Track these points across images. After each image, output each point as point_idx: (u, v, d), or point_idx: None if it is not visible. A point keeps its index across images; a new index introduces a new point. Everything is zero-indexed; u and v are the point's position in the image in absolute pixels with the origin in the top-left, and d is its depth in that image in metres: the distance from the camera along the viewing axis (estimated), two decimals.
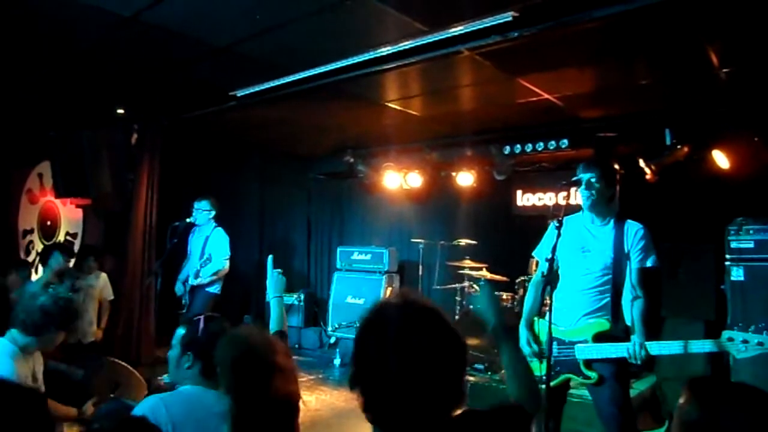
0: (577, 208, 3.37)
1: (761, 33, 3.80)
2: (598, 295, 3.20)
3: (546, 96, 5.29)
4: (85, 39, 4.32)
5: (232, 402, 1.90)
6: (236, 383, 1.92)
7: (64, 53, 4.65)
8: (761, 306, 4.63)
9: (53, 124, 6.65)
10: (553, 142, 6.23)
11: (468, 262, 6.78)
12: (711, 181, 5.58)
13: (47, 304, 2.75)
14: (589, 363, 3.14)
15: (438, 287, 7.31)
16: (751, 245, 4.80)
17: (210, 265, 5.79)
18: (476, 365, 5.91)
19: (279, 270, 2.97)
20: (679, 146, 5.59)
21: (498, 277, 6.72)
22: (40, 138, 7.06)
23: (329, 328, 8.06)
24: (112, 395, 3.25)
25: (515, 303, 6.34)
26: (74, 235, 7.34)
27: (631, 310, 3.12)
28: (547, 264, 2.99)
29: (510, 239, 7.40)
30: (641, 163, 5.74)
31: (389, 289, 7.87)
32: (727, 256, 4.88)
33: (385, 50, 4.29)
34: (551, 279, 3.03)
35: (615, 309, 3.18)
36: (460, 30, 3.87)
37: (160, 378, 5.38)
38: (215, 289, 5.92)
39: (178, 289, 5.96)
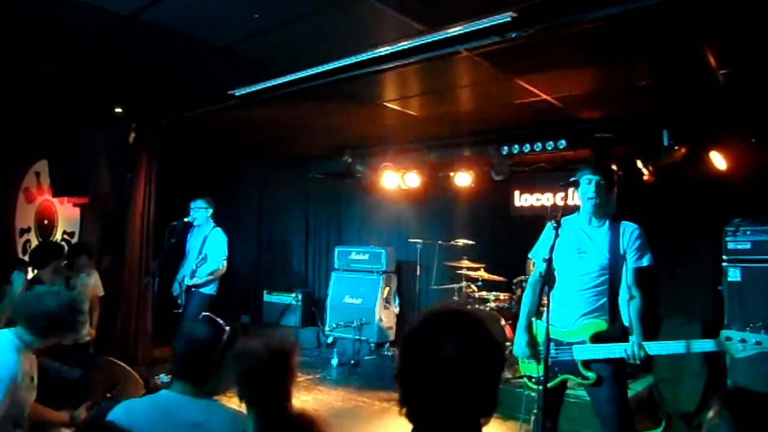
0: (574, 209, 3.38)
1: (759, 34, 3.81)
2: (595, 295, 3.21)
3: (544, 96, 5.30)
4: (84, 38, 4.31)
5: (254, 415, 1.90)
6: (255, 396, 1.92)
7: (62, 52, 4.64)
8: (758, 306, 4.64)
9: (51, 122, 6.63)
10: (551, 143, 6.24)
11: (466, 262, 6.78)
12: (708, 182, 5.59)
13: (54, 308, 2.77)
14: (587, 363, 3.15)
15: (435, 287, 7.32)
16: (748, 246, 4.82)
17: (206, 264, 5.78)
18: None
19: None
20: (676, 147, 5.60)
21: (496, 277, 6.73)
22: (37, 136, 7.04)
23: (327, 328, 8.06)
24: (109, 395, 3.24)
25: (513, 303, 6.35)
26: (71, 234, 7.32)
27: (628, 310, 3.14)
28: (544, 264, 3.00)
29: (508, 239, 7.42)
30: (639, 163, 5.75)
31: (387, 289, 7.88)
32: (724, 257, 4.90)
33: (383, 50, 4.29)
34: (548, 279, 3.04)
35: (612, 309, 3.20)
36: (459, 30, 3.87)
37: (157, 377, 5.39)
38: (211, 290, 5.91)
39: (175, 289, 5.96)
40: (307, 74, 4.86)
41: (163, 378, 5.43)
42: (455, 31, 3.88)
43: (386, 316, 7.82)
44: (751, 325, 2.88)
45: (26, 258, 7.49)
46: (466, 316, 1.37)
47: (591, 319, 3.19)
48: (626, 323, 3.15)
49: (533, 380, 3.40)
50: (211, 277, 5.84)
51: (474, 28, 3.81)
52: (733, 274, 4.86)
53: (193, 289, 5.84)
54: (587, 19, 3.57)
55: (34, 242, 7.70)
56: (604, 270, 3.19)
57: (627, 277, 3.16)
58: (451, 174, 7.46)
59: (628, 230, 3.20)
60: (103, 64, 4.90)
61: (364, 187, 8.48)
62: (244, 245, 8.35)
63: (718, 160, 5.47)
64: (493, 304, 6.42)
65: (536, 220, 6.02)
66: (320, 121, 6.71)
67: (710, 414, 1.38)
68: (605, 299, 3.20)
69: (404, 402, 1.35)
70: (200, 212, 5.91)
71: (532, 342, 3.34)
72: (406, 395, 1.35)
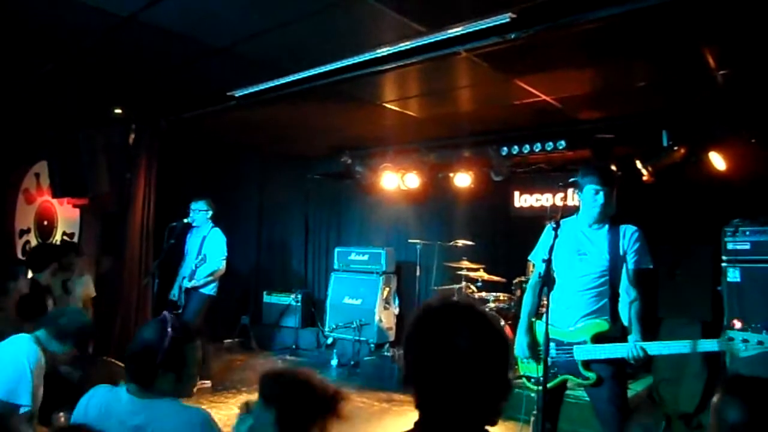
0: (574, 210, 3.39)
1: (758, 35, 3.82)
2: (596, 296, 3.22)
3: (543, 97, 5.30)
4: (83, 39, 4.31)
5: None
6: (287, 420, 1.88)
7: (61, 53, 4.64)
8: (758, 307, 4.65)
9: (51, 123, 6.63)
10: (550, 144, 6.24)
11: (466, 263, 6.78)
12: (708, 182, 5.60)
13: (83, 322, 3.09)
14: (588, 364, 3.16)
15: (435, 288, 7.32)
16: (748, 246, 4.82)
17: (205, 265, 5.78)
18: None
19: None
20: (676, 148, 5.60)
21: (495, 278, 6.73)
22: (37, 138, 7.04)
23: (326, 329, 8.06)
24: None
25: (512, 304, 6.35)
26: (71, 235, 7.32)
27: (628, 311, 3.15)
28: (544, 265, 3.01)
29: (507, 240, 7.42)
30: (638, 164, 5.75)
31: (386, 289, 7.88)
32: (724, 258, 4.90)
33: (383, 51, 4.29)
34: (548, 280, 3.05)
35: (613, 310, 3.21)
36: (458, 31, 3.87)
37: None
38: (211, 290, 5.91)
39: (173, 294, 5.94)
40: (307, 75, 4.86)
41: None
42: (455, 32, 3.88)
43: (386, 317, 7.81)
44: (752, 325, 2.89)
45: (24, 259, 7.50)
46: (474, 308, 1.39)
47: (592, 320, 3.20)
48: (626, 324, 3.17)
49: (532, 380, 3.41)
50: (210, 278, 5.84)
51: (473, 29, 3.82)
52: (733, 275, 4.87)
53: (192, 290, 5.85)
54: (586, 19, 3.57)
55: (34, 243, 7.70)
56: (604, 272, 3.20)
57: (627, 279, 3.18)
58: (451, 175, 7.46)
59: (628, 232, 3.22)
60: (102, 65, 4.90)
61: (364, 187, 8.48)
62: (243, 246, 8.35)
63: (718, 161, 5.48)
64: (492, 305, 6.41)
65: (536, 220, 6.01)
66: (320, 122, 6.71)
67: (715, 399, 1.39)
68: (606, 300, 3.21)
69: (416, 394, 1.35)
70: (200, 214, 5.91)
71: (533, 342, 3.35)
72: (418, 387, 1.35)
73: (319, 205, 9.45)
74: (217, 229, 6.00)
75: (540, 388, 3.07)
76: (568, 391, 3.49)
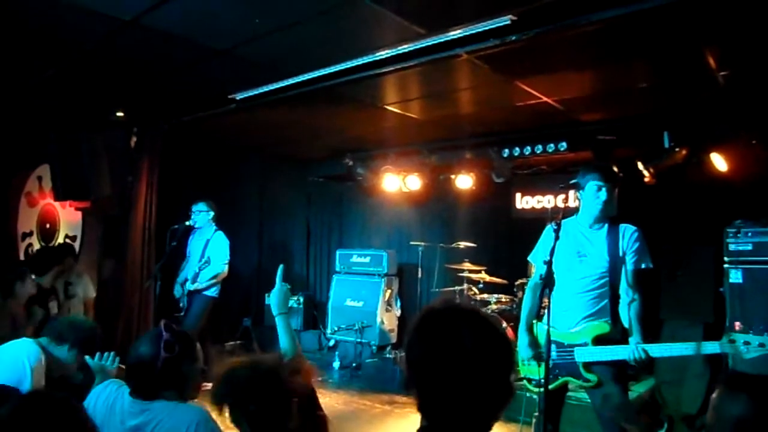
0: (575, 211, 3.39)
1: (759, 36, 3.82)
2: (596, 298, 3.22)
3: (545, 99, 5.30)
4: (85, 42, 4.32)
5: None
6: (254, 419, 1.83)
7: (63, 57, 4.65)
8: (760, 308, 4.64)
9: (53, 127, 6.65)
10: (551, 145, 6.24)
11: (467, 265, 6.78)
12: (709, 183, 5.59)
13: (88, 327, 3.10)
14: (589, 366, 3.15)
15: (437, 290, 7.32)
16: (750, 247, 4.82)
17: (208, 268, 5.79)
18: None
19: (287, 284, 2.62)
20: (677, 149, 5.60)
21: (497, 280, 6.73)
22: (39, 141, 7.05)
23: (328, 331, 8.06)
24: None
25: (514, 306, 6.35)
26: (73, 238, 7.33)
27: (629, 312, 3.14)
28: (545, 266, 3.00)
29: (509, 242, 7.42)
30: (640, 165, 5.75)
31: (388, 291, 7.88)
32: (726, 259, 4.90)
33: (383, 53, 4.30)
34: (549, 282, 3.05)
35: (613, 312, 3.21)
36: (459, 33, 3.88)
37: None
38: (213, 293, 5.92)
39: (177, 291, 5.96)
40: (308, 77, 4.86)
41: None
42: (455, 34, 3.89)
43: (388, 319, 7.81)
44: (754, 327, 2.89)
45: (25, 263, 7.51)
46: (477, 312, 1.40)
47: (593, 322, 3.20)
48: (626, 325, 3.16)
49: (533, 383, 3.41)
50: (213, 281, 5.85)
51: (474, 32, 3.82)
52: (735, 276, 4.86)
53: (195, 293, 5.86)
54: (587, 21, 3.57)
55: (36, 246, 7.72)
56: (604, 273, 3.19)
57: (626, 279, 3.17)
58: (452, 176, 7.46)
59: (628, 233, 3.21)
60: (104, 68, 4.92)
61: (365, 189, 8.48)
62: (245, 248, 8.35)
63: (719, 162, 5.47)
64: (494, 307, 6.41)
65: (537, 222, 6.01)
66: (321, 124, 6.72)
67: (714, 395, 1.39)
68: (606, 301, 3.20)
69: (419, 398, 1.34)
70: (201, 215, 5.92)
71: (534, 342, 3.34)
72: (420, 390, 1.34)
73: (321, 207, 9.46)
74: (220, 232, 6.01)
75: (541, 390, 3.07)
76: (569, 393, 3.49)
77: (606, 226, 3.27)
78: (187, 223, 5.83)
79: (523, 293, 3.71)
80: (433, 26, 3.84)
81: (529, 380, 3.45)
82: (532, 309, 3.40)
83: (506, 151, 6.62)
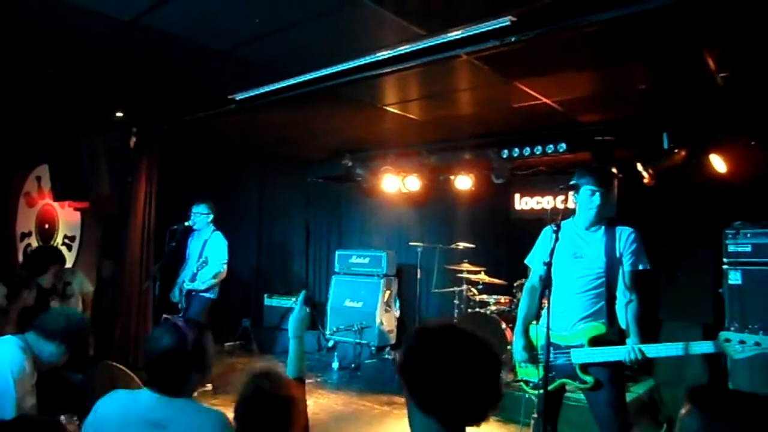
0: (574, 212, 3.39)
1: (758, 37, 3.82)
2: (592, 299, 3.21)
3: (544, 100, 5.30)
4: (84, 43, 4.32)
5: None
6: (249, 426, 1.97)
7: (63, 57, 4.65)
8: (759, 309, 4.64)
9: (52, 127, 6.65)
10: (551, 146, 6.24)
11: (466, 266, 6.78)
12: (708, 184, 5.60)
13: (66, 320, 2.92)
14: (585, 367, 3.15)
15: (436, 290, 7.32)
16: (749, 249, 4.82)
17: (207, 268, 5.78)
18: None
19: (307, 308, 2.70)
20: (676, 150, 5.61)
21: (496, 281, 6.73)
22: (38, 141, 7.05)
23: (327, 332, 8.05)
24: None
25: (513, 306, 6.35)
26: (72, 238, 7.33)
27: (626, 313, 3.14)
28: (543, 268, 3.00)
29: (508, 243, 7.42)
30: (639, 166, 5.75)
31: (387, 292, 7.88)
32: (725, 260, 4.90)
33: (383, 54, 4.30)
34: (549, 283, 3.04)
35: (610, 313, 3.20)
36: (458, 34, 3.88)
37: None
38: (212, 294, 5.91)
39: (174, 295, 5.95)
40: (308, 78, 4.87)
41: None
42: (455, 35, 3.89)
43: (387, 320, 7.81)
44: (749, 326, 2.89)
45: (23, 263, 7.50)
46: (469, 334, 1.58)
47: (589, 323, 3.20)
48: (623, 326, 3.16)
49: (530, 385, 3.40)
50: (213, 281, 5.84)
51: (474, 32, 3.82)
52: (734, 277, 4.87)
53: (193, 293, 5.85)
54: (587, 22, 3.57)
55: (35, 247, 7.71)
56: (601, 274, 3.19)
57: (623, 281, 3.17)
58: (452, 177, 7.47)
59: (624, 234, 3.21)
60: (103, 68, 4.91)
61: (365, 190, 8.49)
62: (244, 249, 8.35)
63: (718, 163, 5.48)
64: (493, 308, 6.42)
65: (537, 223, 5.98)
66: (320, 125, 6.72)
67: (682, 412, 1.40)
68: (603, 303, 3.20)
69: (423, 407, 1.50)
70: (201, 217, 5.92)
71: (529, 345, 3.34)
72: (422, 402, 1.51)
73: (320, 207, 9.46)
74: (218, 233, 6.01)
75: (539, 392, 3.06)
76: (567, 394, 3.48)
77: (603, 227, 3.27)
78: (186, 224, 5.82)
79: (521, 296, 3.70)
80: (433, 27, 3.84)
81: (527, 383, 3.45)
82: (529, 312, 3.39)
83: (505, 151, 6.62)
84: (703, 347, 3.01)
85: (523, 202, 7.51)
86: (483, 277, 6.75)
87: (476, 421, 1.49)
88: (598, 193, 3.18)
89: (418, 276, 7.41)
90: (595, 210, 3.21)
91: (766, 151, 5.20)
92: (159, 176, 6.70)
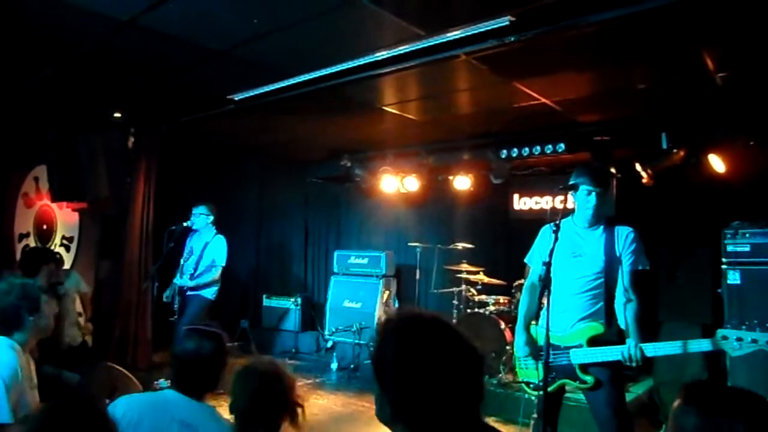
0: (573, 212, 3.38)
1: (757, 37, 3.82)
2: (591, 299, 3.21)
3: (543, 100, 5.30)
4: (83, 43, 4.31)
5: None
6: (251, 414, 2.05)
7: (61, 57, 4.64)
8: (758, 309, 4.64)
9: (50, 127, 6.64)
10: (550, 146, 6.24)
11: (465, 266, 6.78)
12: (707, 184, 5.60)
13: (7, 298, 2.78)
14: (585, 367, 3.15)
15: (435, 291, 7.31)
16: (748, 249, 4.82)
17: (210, 272, 5.78)
18: None
19: None
20: (675, 150, 5.61)
21: (495, 281, 6.72)
22: (36, 142, 7.05)
23: (326, 332, 8.04)
24: (108, 400, 3.23)
25: (512, 307, 6.34)
26: (70, 239, 7.32)
27: (625, 313, 3.14)
28: (542, 268, 3.00)
29: (507, 243, 7.42)
30: (638, 166, 5.75)
31: (386, 293, 7.87)
32: (724, 260, 4.90)
33: (382, 54, 4.29)
34: (548, 283, 3.04)
35: (608, 313, 3.20)
36: (458, 34, 3.88)
37: (156, 382, 5.37)
38: (211, 294, 5.90)
39: (167, 297, 5.92)
40: (306, 78, 4.86)
41: (162, 383, 5.42)
42: (454, 35, 3.89)
43: None
44: (746, 323, 2.89)
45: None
46: (420, 317, 1.38)
47: (588, 323, 3.19)
48: (623, 326, 3.15)
49: (531, 386, 3.40)
50: (208, 283, 5.84)
51: (473, 32, 3.82)
52: (733, 277, 4.86)
53: (191, 293, 5.84)
54: (586, 22, 3.58)
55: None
56: (599, 274, 3.19)
57: (623, 281, 3.16)
58: (450, 177, 7.47)
59: (623, 233, 3.21)
60: (101, 69, 4.91)
61: (364, 191, 8.48)
62: (243, 249, 8.34)
63: (717, 163, 5.48)
64: (492, 308, 6.41)
65: (535, 223, 5.98)
66: (319, 125, 6.71)
67: (675, 405, 1.39)
68: (602, 303, 3.20)
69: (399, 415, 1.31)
70: (201, 218, 5.91)
71: (531, 341, 3.34)
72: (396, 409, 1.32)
73: (319, 208, 9.45)
74: (221, 236, 6.00)
75: (540, 393, 3.06)
76: (567, 394, 3.48)
77: (602, 226, 3.27)
78: (185, 224, 5.81)
79: (521, 294, 3.70)
80: (432, 27, 3.84)
81: (527, 384, 3.44)
82: (530, 310, 3.39)
83: (504, 152, 6.62)
84: (701, 345, 3.01)
85: (521, 203, 7.51)
86: (482, 277, 6.74)
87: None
88: (594, 194, 3.18)
89: (417, 276, 7.41)
90: (592, 210, 3.21)
91: (764, 151, 5.21)
92: (157, 177, 6.70)
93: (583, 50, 4.13)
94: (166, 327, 6.02)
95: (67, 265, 6.43)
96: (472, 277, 6.77)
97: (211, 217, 5.98)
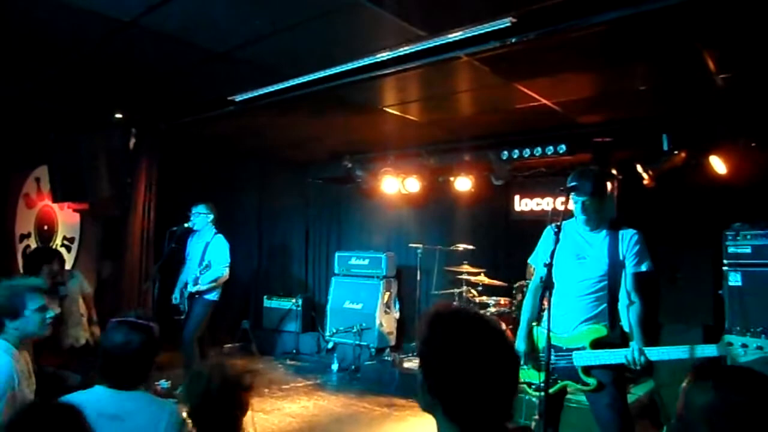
0: (573, 214, 3.38)
1: (758, 39, 3.82)
2: (595, 301, 3.21)
3: (544, 101, 5.30)
4: (84, 44, 4.31)
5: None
6: (202, 420, 2.03)
7: (63, 58, 4.65)
8: (759, 311, 4.64)
9: (51, 128, 6.64)
10: (551, 148, 6.24)
11: (466, 267, 6.78)
12: (708, 186, 5.59)
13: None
14: (588, 369, 3.14)
15: (436, 292, 7.31)
16: (749, 250, 4.82)
17: (209, 272, 5.77)
18: None
19: None
20: (676, 152, 5.60)
21: (496, 282, 6.72)
22: (38, 142, 7.05)
23: (327, 333, 8.04)
24: None
25: (513, 308, 6.34)
26: (71, 240, 7.32)
27: (628, 315, 3.13)
28: (545, 269, 3.00)
29: (508, 244, 7.41)
30: (639, 168, 5.75)
31: (387, 294, 7.86)
32: (725, 262, 4.90)
33: (383, 55, 4.29)
34: (549, 284, 3.04)
35: (612, 315, 3.20)
36: (459, 35, 3.88)
37: (157, 383, 5.38)
38: (214, 296, 5.90)
39: (175, 297, 5.93)
40: (307, 80, 4.86)
41: (163, 384, 5.43)
42: (455, 36, 3.89)
43: (387, 322, 7.80)
44: (752, 329, 2.89)
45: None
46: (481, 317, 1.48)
47: (591, 325, 3.19)
48: (626, 329, 3.15)
49: (533, 387, 3.40)
50: (213, 284, 5.83)
51: (474, 34, 3.82)
52: (734, 279, 4.86)
53: (196, 296, 5.84)
54: (586, 24, 3.58)
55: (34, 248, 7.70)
56: (603, 276, 3.19)
57: (626, 283, 3.16)
58: (451, 179, 7.46)
59: (627, 236, 3.20)
60: (103, 69, 4.91)
61: (364, 192, 8.48)
62: (244, 250, 8.34)
63: (718, 165, 5.48)
64: (493, 309, 6.41)
65: (536, 224, 5.98)
66: (320, 126, 6.71)
67: (684, 384, 1.41)
68: (605, 305, 3.20)
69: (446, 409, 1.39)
70: (200, 218, 5.91)
71: (532, 349, 3.34)
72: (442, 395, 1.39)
73: (320, 209, 9.45)
74: (220, 235, 5.99)
75: (541, 394, 3.06)
76: (569, 396, 3.47)
77: (605, 229, 3.26)
78: (186, 225, 5.81)
79: (522, 295, 3.71)
80: (434, 28, 3.84)
81: (529, 384, 3.44)
82: (532, 312, 3.39)
83: (505, 153, 6.62)
84: (706, 350, 3.01)
85: (523, 204, 7.50)
86: (483, 278, 6.74)
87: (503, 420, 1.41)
88: (581, 203, 3.19)
89: (418, 277, 7.41)
90: (584, 217, 3.22)
91: (765, 153, 5.20)
92: (158, 177, 6.70)
93: (584, 51, 4.13)
94: (168, 328, 6.02)
95: (68, 266, 6.42)
96: (472, 279, 6.77)
97: (211, 216, 5.97)
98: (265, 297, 8.74)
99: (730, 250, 4.89)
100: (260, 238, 9.17)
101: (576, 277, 3.25)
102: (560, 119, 5.87)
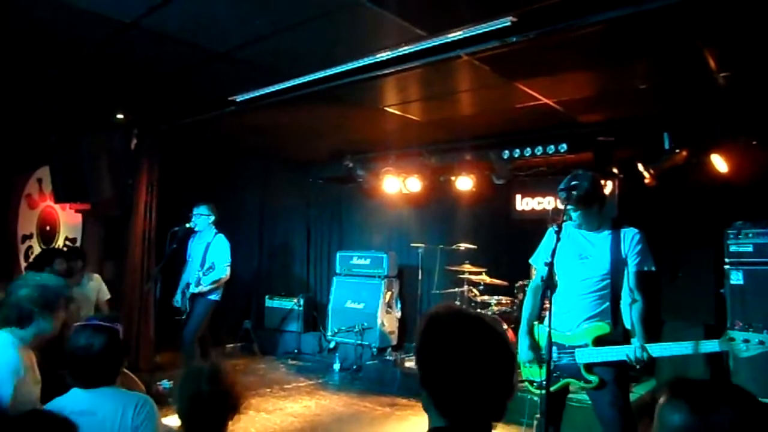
0: None
1: (759, 37, 3.82)
2: (597, 300, 3.22)
3: (545, 100, 5.30)
4: (86, 44, 4.33)
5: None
6: (193, 418, 2.07)
7: (64, 58, 4.66)
8: (761, 309, 4.64)
9: (53, 129, 6.66)
10: (552, 147, 6.24)
11: (467, 267, 6.78)
12: (710, 185, 5.59)
13: (24, 294, 2.74)
14: (590, 367, 3.15)
15: (437, 291, 7.31)
16: (750, 249, 4.83)
17: (212, 273, 5.78)
18: None
19: None
20: (677, 150, 5.60)
21: (497, 281, 6.72)
22: (39, 143, 7.06)
23: (329, 333, 8.05)
24: None
25: (514, 307, 6.34)
26: (73, 240, 7.33)
27: (630, 313, 3.14)
28: (546, 268, 3.00)
29: (509, 243, 7.40)
30: (640, 167, 5.75)
31: (388, 293, 7.87)
32: (727, 260, 4.90)
33: (384, 55, 4.30)
34: (551, 283, 3.04)
35: (614, 313, 3.20)
36: (459, 35, 3.88)
37: (159, 383, 5.38)
38: (215, 296, 5.90)
39: (176, 300, 5.93)
40: (309, 79, 4.87)
41: (165, 384, 5.43)
42: (456, 35, 3.89)
43: (388, 321, 7.81)
44: (753, 325, 2.89)
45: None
46: (482, 318, 1.49)
47: (594, 323, 3.20)
48: (628, 327, 3.16)
49: (534, 385, 3.40)
50: (215, 285, 5.83)
51: (474, 33, 3.83)
52: (736, 277, 4.87)
53: (197, 296, 5.84)
54: (587, 23, 3.58)
55: (36, 249, 7.72)
56: (606, 275, 3.20)
57: (629, 282, 3.17)
58: (453, 178, 7.46)
59: (629, 235, 3.21)
60: (104, 70, 4.92)
61: (366, 191, 8.49)
62: (245, 250, 8.35)
63: (719, 163, 5.47)
64: (494, 308, 6.41)
65: (538, 224, 6.01)
66: (321, 126, 6.72)
67: (660, 401, 1.36)
68: (607, 303, 3.21)
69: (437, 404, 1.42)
70: (202, 218, 5.91)
71: (535, 345, 3.34)
72: (433, 390, 1.43)
73: (321, 209, 9.45)
74: (221, 235, 5.99)
75: (543, 392, 3.06)
76: (570, 395, 3.48)
77: (607, 228, 3.27)
78: (187, 225, 5.81)
79: (524, 295, 3.71)
80: (434, 28, 3.84)
81: (531, 382, 3.44)
82: (533, 311, 3.40)
83: (506, 152, 6.62)
84: (707, 346, 3.01)
85: (524, 203, 7.49)
86: (484, 277, 6.74)
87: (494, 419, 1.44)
88: (570, 212, 3.21)
89: (420, 277, 7.41)
90: (577, 222, 3.23)
91: (767, 151, 5.20)
92: (160, 177, 6.70)
93: (584, 50, 4.13)
94: (169, 328, 6.04)
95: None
96: (474, 278, 6.77)
97: (212, 217, 5.98)
98: (266, 297, 8.76)
99: (732, 248, 4.90)
100: (261, 238, 9.18)
101: (579, 276, 3.25)
102: (561, 118, 5.87)
